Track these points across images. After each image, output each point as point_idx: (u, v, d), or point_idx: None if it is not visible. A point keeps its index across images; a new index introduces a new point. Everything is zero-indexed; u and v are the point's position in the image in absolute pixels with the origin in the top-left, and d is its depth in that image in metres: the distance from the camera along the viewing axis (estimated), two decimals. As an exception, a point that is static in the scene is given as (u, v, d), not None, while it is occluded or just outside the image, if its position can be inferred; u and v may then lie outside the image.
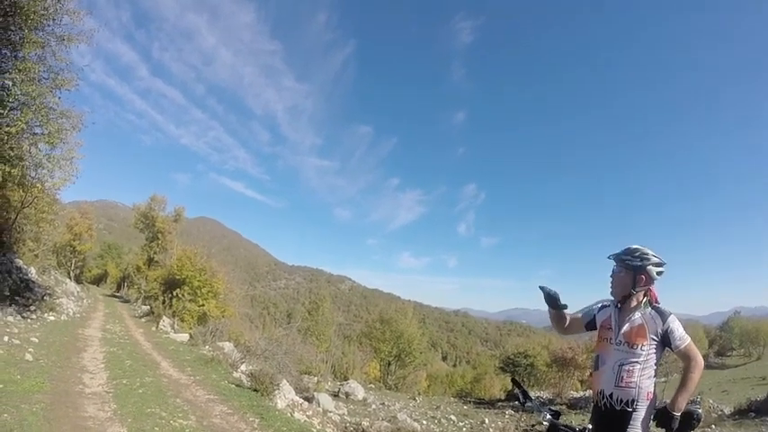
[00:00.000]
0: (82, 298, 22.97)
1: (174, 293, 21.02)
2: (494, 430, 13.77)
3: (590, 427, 2.89)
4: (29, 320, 12.20)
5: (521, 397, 3.16)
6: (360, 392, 15.62)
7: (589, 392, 20.56)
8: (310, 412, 9.90)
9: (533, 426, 12.71)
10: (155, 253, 35.99)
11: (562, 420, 2.93)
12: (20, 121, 10.06)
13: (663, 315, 2.98)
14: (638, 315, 3.01)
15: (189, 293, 21.01)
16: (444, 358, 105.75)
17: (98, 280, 53.90)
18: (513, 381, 3.39)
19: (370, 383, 22.60)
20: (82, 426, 5.45)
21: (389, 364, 27.72)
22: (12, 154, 10.73)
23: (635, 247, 3.05)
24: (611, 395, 2.94)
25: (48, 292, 16.19)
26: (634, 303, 3.05)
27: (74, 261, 39.61)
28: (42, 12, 10.47)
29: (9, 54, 10.52)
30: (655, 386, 3.03)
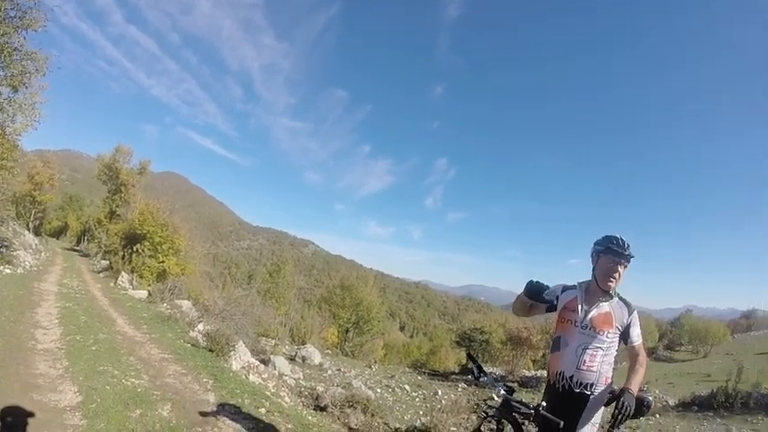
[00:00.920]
0: (40, 251, 22.41)
1: (135, 249, 20.65)
2: (446, 401, 14.16)
3: (543, 404, 2.90)
4: (-18, 273, 11.83)
5: (475, 371, 3.19)
6: (317, 357, 15.78)
7: (541, 372, 21.30)
8: (266, 375, 9.98)
9: (485, 401, 13.14)
10: (117, 206, 35.16)
11: (515, 397, 2.99)
12: (-21, 60, 9.56)
13: (629, 307, 3.10)
14: (605, 303, 3.08)
15: (149, 249, 20.67)
16: (402, 328, 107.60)
17: (58, 233, 52.48)
18: (469, 355, 3.42)
19: (328, 349, 22.86)
20: (32, 383, 5.38)
21: (347, 330, 27.99)
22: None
23: (621, 237, 3.08)
24: (571, 377, 3.00)
25: (4, 243, 15.71)
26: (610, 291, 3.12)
27: (33, 212, 38.46)
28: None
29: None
30: (613, 372, 3.14)
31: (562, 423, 2.72)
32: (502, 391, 2.95)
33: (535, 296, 3.05)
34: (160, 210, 21.95)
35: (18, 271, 14.33)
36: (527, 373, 22.06)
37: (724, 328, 54.33)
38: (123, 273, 18.88)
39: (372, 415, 9.12)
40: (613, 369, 3.23)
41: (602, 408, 3.05)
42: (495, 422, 2.94)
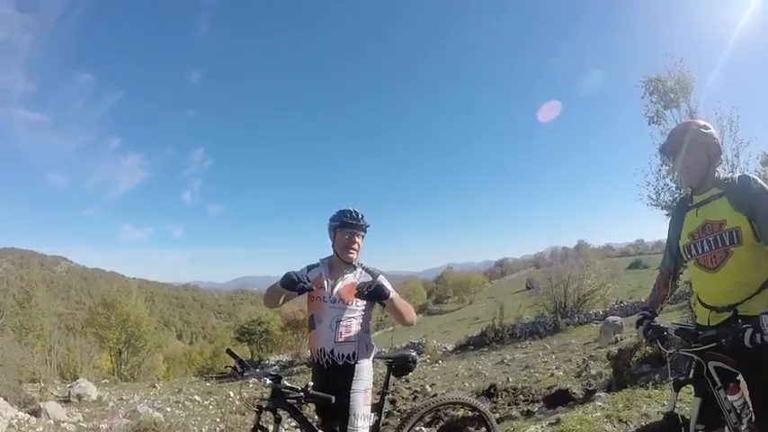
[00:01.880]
0: None
1: None
2: (239, 402, 14.48)
3: (311, 383, 2.93)
4: None
5: (238, 367, 3.11)
6: (93, 392, 14.55)
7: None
8: (40, 428, 9.15)
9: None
10: None
11: (285, 383, 2.96)
12: None
13: (373, 274, 3.20)
14: (350, 274, 3.17)
15: None
16: (179, 336, 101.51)
17: None
18: (228, 351, 3.29)
19: (104, 378, 20.94)
20: None
21: (120, 352, 25.76)
22: None
23: (355, 209, 3.17)
24: (332, 351, 3.03)
25: None
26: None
27: None
28: None
29: None
30: (371, 336, 3.26)
31: (333, 398, 2.78)
32: (268, 381, 2.89)
33: (292, 286, 2.90)
34: None
35: None
36: (313, 354, 23.34)
37: (482, 277, 64.12)
38: None
39: (165, 438, 9.14)
40: (390, 331, 3.68)
41: (371, 372, 3.16)
42: (271, 413, 2.89)
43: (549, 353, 14.94)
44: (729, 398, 2.32)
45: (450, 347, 20.31)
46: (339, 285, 3.12)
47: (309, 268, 3.28)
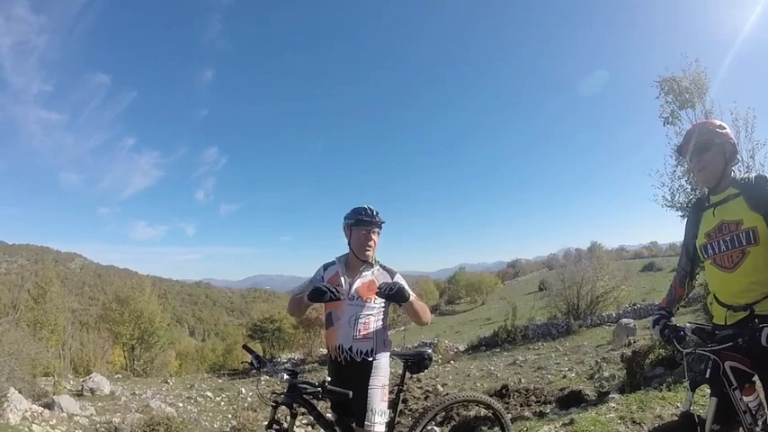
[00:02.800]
0: None
1: None
2: (251, 398, 14.59)
3: (329, 379, 2.87)
4: None
5: (255, 363, 3.10)
6: (106, 386, 14.76)
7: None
8: (54, 421, 9.31)
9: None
10: None
11: (301, 378, 2.95)
12: None
13: (390, 272, 3.22)
14: (368, 272, 3.17)
15: None
16: (192, 333, 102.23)
17: None
18: (245, 347, 3.29)
19: (117, 373, 21.22)
20: None
21: (133, 348, 26.04)
22: None
23: (369, 207, 3.18)
24: (350, 348, 3.04)
25: None
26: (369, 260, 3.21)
27: None
28: None
29: None
30: (389, 334, 3.27)
31: (351, 393, 2.75)
32: (285, 377, 2.87)
33: (321, 299, 2.90)
34: None
35: None
36: (325, 352, 23.15)
37: (495, 277, 63.75)
38: None
39: (177, 433, 9.23)
40: (402, 330, 3.69)
41: (388, 369, 3.17)
42: (288, 408, 2.88)
43: (561, 354, 14.87)
44: (745, 398, 2.30)
45: (462, 348, 20.30)
46: (357, 283, 3.12)
47: (326, 267, 3.29)
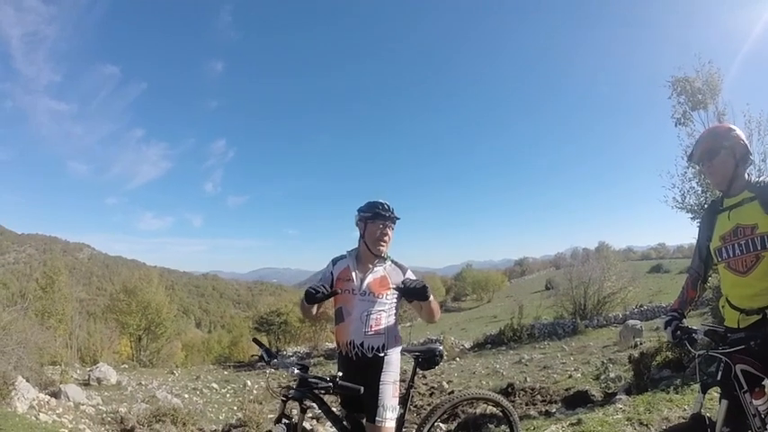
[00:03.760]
0: None
1: None
2: (257, 391, 14.65)
3: (340, 374, 2.86)
4: None
5: (265, 356, 3.09)
6: (113, 376, 14.89)
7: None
8: (60, 410, 9.36)
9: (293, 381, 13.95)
10: None
11: (312, 373, 2.93)
12: None
13: (402, 268, 3.17)
14: (379, 267, 3.12)
15: None
16: (198, 325, 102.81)
17: None
18: (255, 341, 3.30)
19: (124, 363, 21.37)
20: None
21: (140, 338, 26.24)
22: None
23: (385, 202, 3.14)
24: (361, 344, 3.00)
25: None
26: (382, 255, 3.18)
27: None
28: None
29: None
30: (399, 330, 3.25)
31: (362, 389, 2.75)
32: (296, 371, 2.86)
33: (313, 299, 2.89)
34: None
35: None
36: (330, 345, 23.18)
37: (501, 275, 63.79)
38: None
39: (184, 424, 9.27)
40: (407, 326, 3.63)
41: (399, 365, 3.13)
42: (297, 402, 2.87)
43: (567, 354, 14.84)
44: (755, 402, 2.30)
45: (467, 345, 20.29)
46: (369, 278, 3.08)
47: (335, 261, 3.24)
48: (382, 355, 3.05)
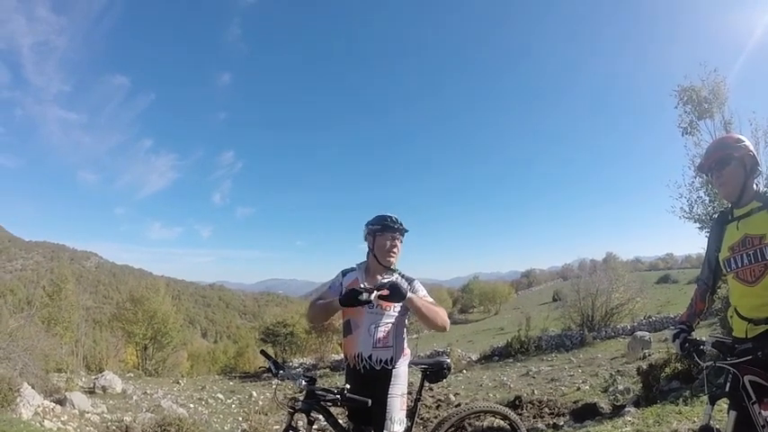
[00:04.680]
0: None
1: None
2: (262, 401, 14.61)
3: (347, 386, 2.84)
4: None
5: (272, 368, 3.12)
6: (118, 384, 14.89)
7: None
8: (65, 417, 9.36)
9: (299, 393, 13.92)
10: None
11: (319, 384, 2.94)
12: None
13: (410, 279, 3.16)
14: (387, 279, 3.10)
15: None
16: (204, 335, 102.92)
17: None
18: (262, 352, 3.34)
19: (129, 372, 21.41)
20: None
21: (146, 347, 26.27)
22: None
23: (393, 215, 3.17)
24: (369, 357, 3.00)
25: None
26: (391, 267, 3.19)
27: None
28: None
29: None
30: (406, 342, 3.24)
31: (370, 401, 2.76)
32: (303, 383, 2.87)
33: (354, 302, 2.85)
34: None
35: None
36: (336, 357, 23.21)
37: (508, 287, 63.42)
38: None
39: (189, 434, 9.26)
40: (414, 338, 3.59)
41: (407, 378, 3.13)
42: (304, 414, 2.87)
43: (575, 366, 14.72)
44: (763, 413, 2.27)
45: (474, 357, 20.17)
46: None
47: (345, 273, 3.27)
48: (390, 367, 3.05)
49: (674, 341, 2.69)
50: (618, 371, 11.59)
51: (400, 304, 3.04)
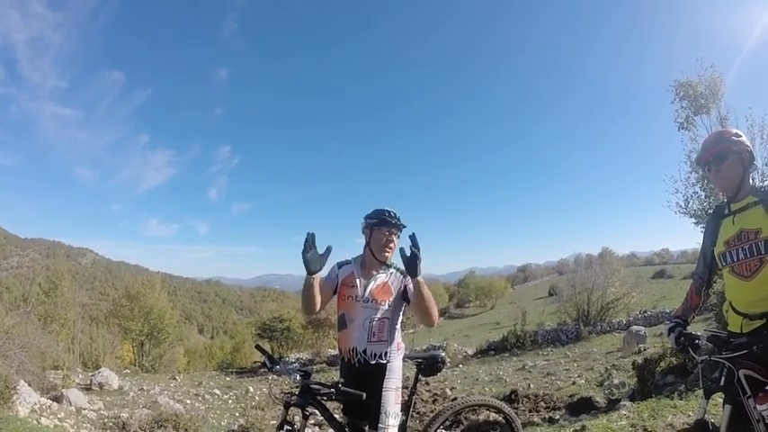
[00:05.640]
0: None
1: None
2: (259, 397, 14.62)
3: (342, 380, 2.86)
4: None
5: (267, 362, 3.10)
6: (115, 381, 14.88)
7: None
8: (62, 414, 9.35)
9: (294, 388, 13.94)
10: None
11: (314, 379, 2.93)
12: None
13: (405, 274, 3.07)
14: (382, 274, 3.12)
15: None
16: (201, 331, 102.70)
17: None
18: (257, 347, 3.32)
19: (126, 369, 21.40)
20: None
21: (142, 344, 26.27)
22: None
23: (391, 210, 3.13)
24: (364, 351, 3.00)
25: None
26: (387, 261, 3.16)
27: None
28: None
29: None
30: (401, 336, 3.23)
31: (365, 395, 2.74)
32: (298, 377, 2.85)
33: (315, 266, 2.79)
34: None
35: None
36: (333, 352, 23.24)
37: (504, 281, 63.53)
38: None
39: (186, 430, 9.25)
40: (410, 333, 3.51)
41: (401, 371, 3.13)
42: (300, 409, 2.86)
43: (570, 360, 14.79)
44: (758, 407, 2.28)
45: (470, 352, 20.25)
46: (372, 285, 3.07)
47: (340, 265, 3.24)
48: (385, 362, 3.04)
49: (669, 335, 2.69)
50: (613, 365, 11.65)
51: (396, 299, 3.05)
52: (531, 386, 11.35)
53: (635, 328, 15.64)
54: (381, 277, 3.12)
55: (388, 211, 3.11)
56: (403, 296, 3.10)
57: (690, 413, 4.97)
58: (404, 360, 3.22)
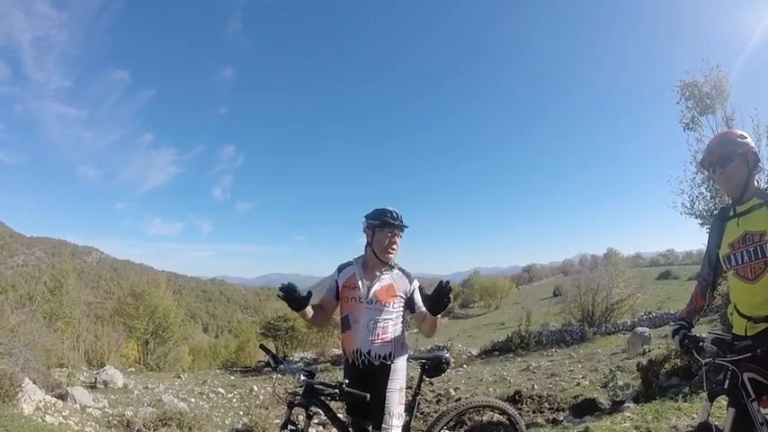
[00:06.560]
0: None
1: None
2: (263, 396, 14.64)
3: (346, 381, 2.83)
4: None
5: (271, 362, 3.10)
6: (119, 379, 14.92)
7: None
8: (66, 412, 9.37)
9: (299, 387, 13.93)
10: None
11: (318, 379, 2.94)
12: None
13: (409, 276, 3.14)
14: (386, 275, 3.10)
15: None
16: (205, 329, 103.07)
17: None
18: (262, 347, 3.32)
19: (130, 367, 21.46)
20: None
21: (147, 342, 26.35)
22: None
23: (394, 210, 3.12)
24: (368, 352, 2.99)
25: None
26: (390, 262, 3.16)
27: None
28: None
29: None
30: (406, 337, 3.23)
31: (368, 396, 2.73)
32: (302, 377, 2.85)
33: (297, 304, 2.92)
34: None
35: None
36: (337, 351, 22.92)
37: (509, 282, 63.35)
38: None
39: (190, 428, 9.27)
40: (414, 333, 3.56)
41: (405, 372, 3.14)
42: (303, 409, 2.86)
43: (575, 362, 14.73)
44: (762, 410, 2.27)
45: (474, 352, 20.19)
46: (376, 286, 3.07)
47: (341, 269, 3.24)
48: (389, 363, 3.04)
49: (673, 337, 2.70)
50: (618, 366, 11.60)
51: (400, 300, 3.07)
52: (535, 387, 11.32)
53: (640, 329, 15.57)
54: (385, 278, 3.11)
55: (390, 212, 3.11)
56: (407, 304, 3.12)
57: (694, 416, 4.96)
58: (408, 360, 3.22)
